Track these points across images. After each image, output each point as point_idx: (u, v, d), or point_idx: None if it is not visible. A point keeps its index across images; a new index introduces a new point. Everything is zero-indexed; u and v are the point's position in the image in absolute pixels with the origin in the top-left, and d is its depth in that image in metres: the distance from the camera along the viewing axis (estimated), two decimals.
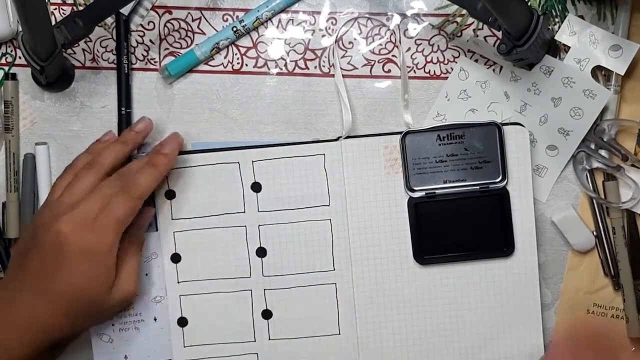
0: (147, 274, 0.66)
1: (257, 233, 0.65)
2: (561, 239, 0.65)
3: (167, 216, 0.65)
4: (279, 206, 0.64)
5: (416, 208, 0.63)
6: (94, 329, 0.65)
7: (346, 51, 0.65)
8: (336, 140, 0.64)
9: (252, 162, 0.64)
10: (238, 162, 0.64)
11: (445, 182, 0.63)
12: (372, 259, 0.64)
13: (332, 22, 0.65)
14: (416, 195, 0.63)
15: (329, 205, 0.64)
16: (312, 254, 0.65)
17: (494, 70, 0.65)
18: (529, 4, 0.63)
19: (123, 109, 0.65)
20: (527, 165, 0.63)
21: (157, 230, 0.65)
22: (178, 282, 0.65)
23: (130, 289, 0.60)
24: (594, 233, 0.65)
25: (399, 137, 0.63)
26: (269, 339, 0.65)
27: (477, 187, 0.63)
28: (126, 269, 0.60)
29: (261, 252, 0.65)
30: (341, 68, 0.65)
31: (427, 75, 0.65)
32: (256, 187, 0.64)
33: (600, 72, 0.63)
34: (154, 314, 0.66)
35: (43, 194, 0.65)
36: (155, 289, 0.66)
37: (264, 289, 0.65)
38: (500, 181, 0.63)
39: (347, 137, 0.64)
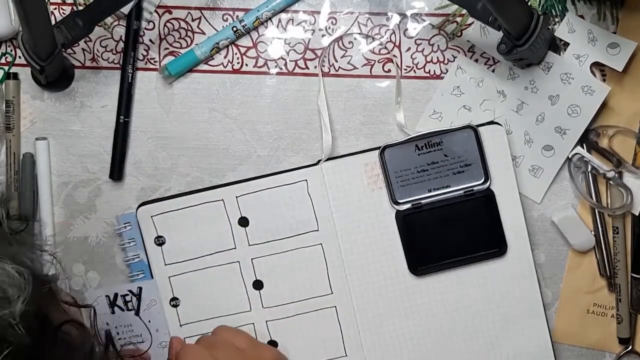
0: (149, 321, 0.66)
1: (251, 267, 0.64)
2: (561, 239, 0.65)
3: (160, 263, 0.65)
4: (269, 237, 0.64)
5: (404, 220, 0.63)
6: None
7: (346, 51, 0.65)
8: (316, 164, 0.64)
9: (236, 197, 0.64)
10: (222, 200, 0.64)
11: (429, 191, 0.63)
12: (368, 277, 0.64)
13: (332, 22, 0.65)
14: (402, 207, 0.63)
15: (318, 230, 0.64)
16: (308, 280, 0.64)
17: (493, 70, 0.64)
18: (529, 3, 0.63)
19: (121, 117, 0.65)
20: (509, 163, 0.63)
21: (152, 277, 0.65)
22: (180, 326, 0.65)
23: None
24: (594, 233, 0.65)
25: (377, 152, 0.63)
26: None
27: (462, 192, 0.63)
28: None
29: (258, 285, 0.65)
30: (341, 68, 0.65)
31: (427, 75, 0.65)
32: (243, 221, 0.64)
33: (599, 72, 0.63)
34: (162, 359, 0.66)
35: (43, 193, 0.66)
36: (160, 335, 0.65)
37: (266, 321, 0.65)
38: (483, 183, 0.63)
39: (327, 159, 0.64)
